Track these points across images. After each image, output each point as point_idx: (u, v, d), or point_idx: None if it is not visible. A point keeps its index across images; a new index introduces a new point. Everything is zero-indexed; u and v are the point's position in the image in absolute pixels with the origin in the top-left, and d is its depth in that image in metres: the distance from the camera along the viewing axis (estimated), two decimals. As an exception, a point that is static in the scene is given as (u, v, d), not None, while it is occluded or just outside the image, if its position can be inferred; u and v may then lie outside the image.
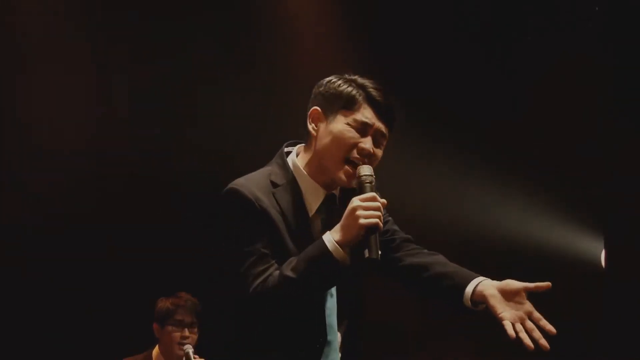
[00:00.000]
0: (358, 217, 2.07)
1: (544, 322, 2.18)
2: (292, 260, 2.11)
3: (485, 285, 2.24)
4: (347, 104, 2.24)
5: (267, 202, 2.17)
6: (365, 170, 2.18)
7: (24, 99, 5.13)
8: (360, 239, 2.08)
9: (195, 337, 3.82)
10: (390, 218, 2.38)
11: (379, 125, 2.24)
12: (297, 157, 2.30)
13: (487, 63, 5.55)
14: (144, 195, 5.25)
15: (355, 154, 2.21)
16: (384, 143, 2.29)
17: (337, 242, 2.08)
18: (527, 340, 2.19)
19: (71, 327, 5.01)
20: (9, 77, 5.09)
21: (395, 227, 2.39)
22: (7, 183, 5.13)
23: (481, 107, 5.56)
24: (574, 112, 5.46)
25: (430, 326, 5.44)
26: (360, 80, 2.29)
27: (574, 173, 5.54)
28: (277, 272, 2.10)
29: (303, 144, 2.32)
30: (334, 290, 2.22)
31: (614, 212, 5.40)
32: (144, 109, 5.29)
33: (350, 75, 2.30)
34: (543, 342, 2.15)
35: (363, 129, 2.22)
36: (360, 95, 2.24)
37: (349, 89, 2.25)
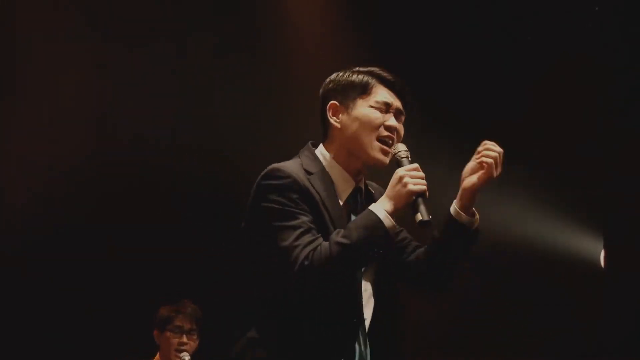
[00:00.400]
0: (407, 183, 2.16)
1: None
2: (340, 231, 2.14)
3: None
4: (362, 90, 2.36)
5: (307, 184, 2.22)
6: (400, 147, 2.30)
7: (23, 98, 5.13)
8: (407, 206, 2.17)
9: (194, 344, 3.81)
10: (402, 228, 2.45)
11: (397, 103, 2.37)
12: (324, 150, 2.37)
13: (487, 63, 5.56)
14: (144, 195, 5.25)
15: (384, 132, 2.32)
16: (403, 119, 2.39)
17: (387, 211, 2.14)
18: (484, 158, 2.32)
19: (71, 327, 5.02)
20: (7, 76, 5.09)
21: (408, 235, 2.46)
22: (7, 182, 5.13)
23: (481, 107, 5.57)
24: (574, 112, 5.46)
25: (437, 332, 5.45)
26: (366, 68, 2.39)
27: (573, 173, 5.55)
28: (326, 242, 2.12)
29: (322, 143, 2.39)
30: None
31: (614, 212, 5.40)
32: (144, 109, 5.29)
33: (353, 68, 2.40)
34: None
35: (384, 108, 2.33)
36: (372, 79, 2.38)
37: (360, 76, 2.38)
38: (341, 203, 2.30)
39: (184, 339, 3.73)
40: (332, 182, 2.30)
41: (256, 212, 2.21)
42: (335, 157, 2.35)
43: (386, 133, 2.33)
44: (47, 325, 5.00)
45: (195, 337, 3.79)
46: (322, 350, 2.14)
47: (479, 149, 2.36)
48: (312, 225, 2.16)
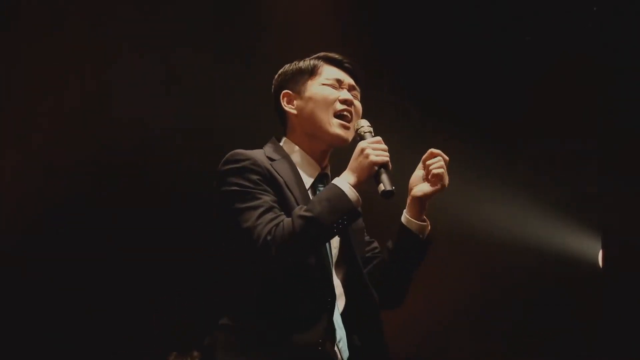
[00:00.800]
0: (368, 155, 2.16)
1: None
2: (302, 206, 2.13)
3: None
4: (311, 73, 2.37)
5: (269, 167, 2.22)
6: (362, 122, 2.31)
7: (23, 97, 5.13)
8: (371, 177, 2.16)
9: None
10: (374, 240, 2.46)
11: (348, 80, 2.36)
12: (286, 140, 2.37)
13: (487, 63, 5.56)
14: (145, 195, 5.25)
15: (339, 105, 2.32)
16: (358, 95, 2.39)
17: (350, 184, 2.14)
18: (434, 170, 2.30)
19: (73, 327, 5.02)
20: (6, 74, 5.09)
21: (377, 247, 2.48)
22: (6, 183, 5.13)
23: (481, 107, 5.57)
24: (574, 112, 5.47)
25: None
26: (313, 55, 2.42)
27: (573, 173, 5.55)
28: (289, 218, 2.11)
29: (284, 137, 2.40)
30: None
31: (612, 212, 5.40)
32: (144, 109, 5.29)
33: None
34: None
35: (336, 84, 2.34)
36: (319, 61, 2.39)
37: (307, 61, 2.41)
38: (307, 187, 2.30)
39: None
40: (295, 168, 2.31)
41: (219, 198, 2.21)
42: (297, 144, 2.35)
43: (342, 107, 2.34)
44: (47, 325, 5.01)
45: None
46: (297, 330, 2.12)
47: (425, 157, 2.34)
48: (274, 205, 2.15)
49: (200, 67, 5.31)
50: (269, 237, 2.06)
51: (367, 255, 2.45)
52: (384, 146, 2.21)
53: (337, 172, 2.26)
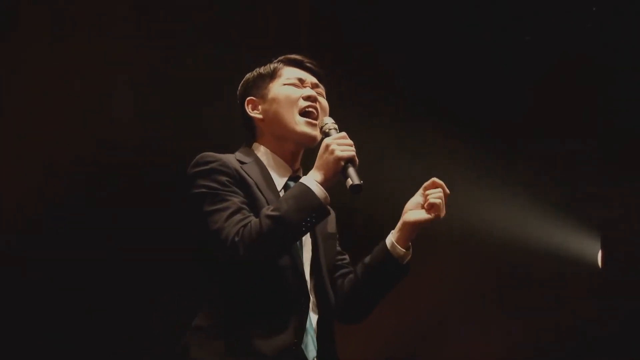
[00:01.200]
0: (333, 150, 2.14)
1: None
2: (270, 206, 2.13)
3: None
4: (272, 76, 2.36)
5: (239, 169, 2.22)
6: (327, 119, 2.29)
7: (23, 97, 5.13)
8: (338, 174, 2.14)
9: None
10: (346, 254, 2.47)
11: (310, 78, 2.35)
12: (256, 144, 2.37)
13: (487, 63, 5.56)
14: (145, 194, 5.25)
15: (303, 103, 2.31)
16: (322, 92, 2.38)
17: (317, 181, 2.12)
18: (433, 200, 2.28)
19: (71, 327, 5.02)
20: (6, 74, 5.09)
21: (347, 261, 2.48)
22: (6, 183, 5.13)
23: (481, 107, 5.57)
24: (574, 112, 5.47)
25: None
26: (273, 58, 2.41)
27: (573, 173, 5.55)
28: (257, 219, 2.11)
29: (255, 142, 2.40)
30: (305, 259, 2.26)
31: (612, 212, 5.41)
32: (145, 109, 5.29)
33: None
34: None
35: (298, 83, 2.34)
36: (278, 64, 2.40)
37: (267, 66, 2.40)
38: (279, 189, 2.30)
39: None
40: (267, 170, 2.31)
41: (188, 202, 2.21)
42: (267, 147, 2.35)
43: (306, 103, 2.33)
44: (47, 325, 5.01)
45: None
46: (271, 331, 2.12)
47: (427, 184, 2.32)
48: (242, 206, 2.15)
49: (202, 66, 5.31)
50: (236, 239, 2.07)
51: (336, 263, 2.44)
52: (349, 141, 2.18)
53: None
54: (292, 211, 2.07)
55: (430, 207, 2.29)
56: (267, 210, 2.10)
